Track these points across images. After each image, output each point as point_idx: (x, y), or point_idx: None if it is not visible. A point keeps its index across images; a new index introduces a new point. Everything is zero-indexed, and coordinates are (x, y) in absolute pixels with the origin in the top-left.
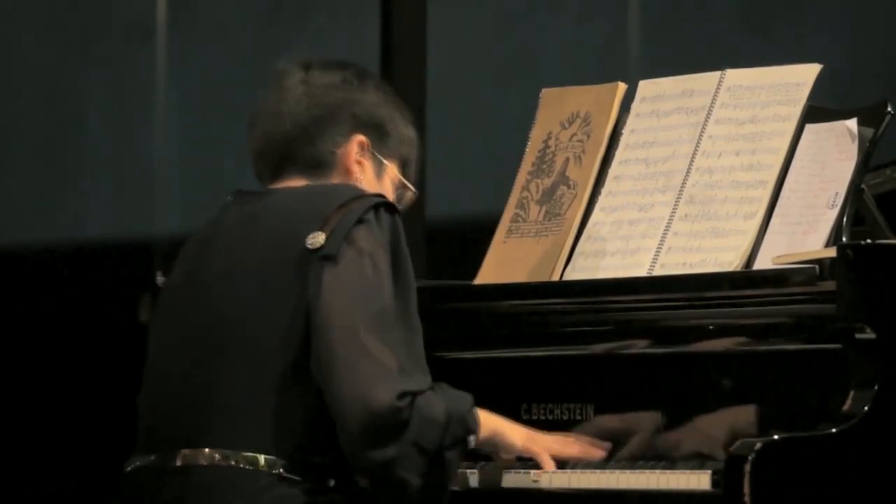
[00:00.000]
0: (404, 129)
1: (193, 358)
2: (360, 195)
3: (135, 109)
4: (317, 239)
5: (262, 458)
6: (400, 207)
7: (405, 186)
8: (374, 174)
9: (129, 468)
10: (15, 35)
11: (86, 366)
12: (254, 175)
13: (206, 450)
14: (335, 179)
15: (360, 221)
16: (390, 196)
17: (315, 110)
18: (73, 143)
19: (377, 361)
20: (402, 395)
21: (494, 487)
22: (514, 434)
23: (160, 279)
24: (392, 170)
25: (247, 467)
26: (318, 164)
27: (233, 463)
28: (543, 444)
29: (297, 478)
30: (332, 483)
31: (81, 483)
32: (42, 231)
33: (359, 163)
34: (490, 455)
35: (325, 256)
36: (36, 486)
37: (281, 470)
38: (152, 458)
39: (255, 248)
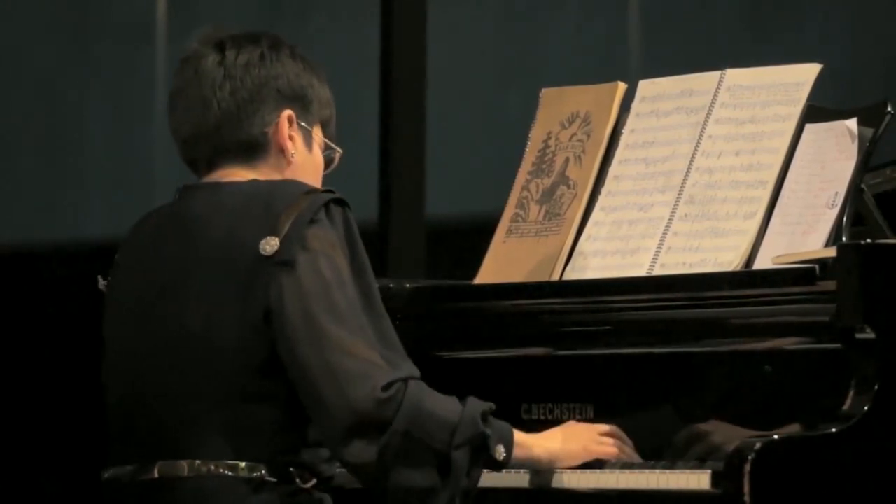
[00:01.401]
0: (322, 92)
1: (156, 371)
2: (307, 191)
3: (135, 110)
4: (270, 244)
5: (241, 464)
6: (332, 168)
7: (331, 147)
8: (304, 145)
9: (107, 476)
10: (15, 35)
11: (86, 366)
12: (184, 161)
13: (185, 461)
14: (270, 159)
15: (312, 222)
16: (321, 162)
17: (241, 93)
18: (74, 143)
19: (352, 357)
20: (387, 386)
21: (491, 486)
22: (549, 456)
23: (102, 283)
24: (318, 134)
25: (227, 473)
26: (252, 148)
27: (213, 469)
28: (581, 451)
29: (278, 480)
30: (314, 482)
31: (78, 484)
32: (42, 231)
33: (290, 137)
34: None
35: (280, 263)
36: (33, 486)
37: (262, 472)
38: (128, 468)
39: (207, 253)
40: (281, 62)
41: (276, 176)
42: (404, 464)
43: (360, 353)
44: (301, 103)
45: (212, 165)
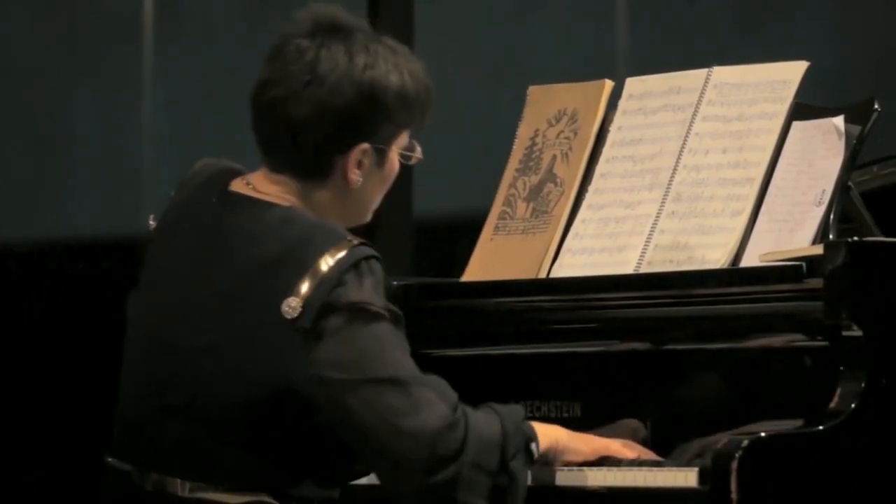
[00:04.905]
0: (408, 92)
1: (159, 386)
2: (336, 245)
3: (122, 108)
4: (291, 306)
5: (233, 498)
6: (408, 163)
7: (413, 149)
8: (375, 171)
9: (109, 461)
10: (2, 34)
11: (73, 364)
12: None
13: (178, 481)
14: (331, 184)
15: (340, 284)
16: (393, 171)
17: (336, 110)
18: (62, 141)
19: (412, 406)
20: (454, 408)
21: None
22: (576, 442)
23: (151, 224)
24: (402, 139)
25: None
26: (315, 172)
27: (204, 497)
28: (587, 450)
29: None
30: None
31: (60, 481)
32: (30, 229)
33: (360, 164)
34: None
35: (307, 330)
36: (20, 487)
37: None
38: (128, 468)
39: (228, 290)
40: (373, 74)
41: (327, 198)
42: (473, 493)
43: (417, 400)
44: (389, 128)
45: (269, 165)
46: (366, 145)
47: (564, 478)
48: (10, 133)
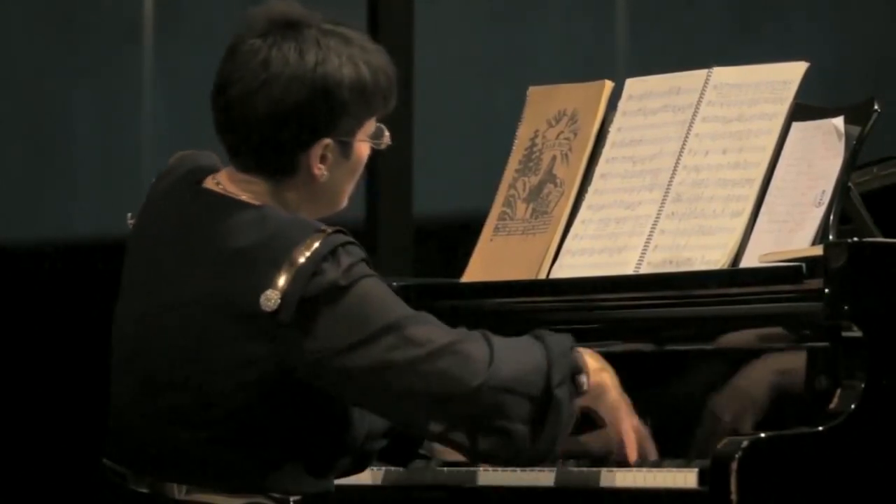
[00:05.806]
0: (382, 87)
1: (147, 389)
2: (311, 237)
3: (122, 109)
4: (271, 299)
5: (229, 500)
6: (378, 149)
7: (380, 135)
8: (341, 162)
9: (106, 461)
10: (2, 34)
11: (73, 364)
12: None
13: (175, 484)
14: (298, 180)
15: (316, 274)
16: (362, 158)
17: (291, 109)
18: (62, 141)
19: (409, 341)
20: (455, 331)
21: (474, 484)
22: (621, 402)
23: (129, 221)
24: (370, 126)
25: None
26: (280, 170)
27: (200, 499)
28: (637, 424)
29: None
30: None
31: (60, 481)
32: (30, 229)
33: (324, 157)
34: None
35: (287, 323)
36: (20, 486)
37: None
38: (124, 470)
39: (207, 294)
40: (324, 70)
41: (296, 194)
42: (511, 418)
43: (435, 340)
44: (349, 123)
45: (237, 165)
46: (327, 140)
47: (564, 478)
48: (10, 133)
